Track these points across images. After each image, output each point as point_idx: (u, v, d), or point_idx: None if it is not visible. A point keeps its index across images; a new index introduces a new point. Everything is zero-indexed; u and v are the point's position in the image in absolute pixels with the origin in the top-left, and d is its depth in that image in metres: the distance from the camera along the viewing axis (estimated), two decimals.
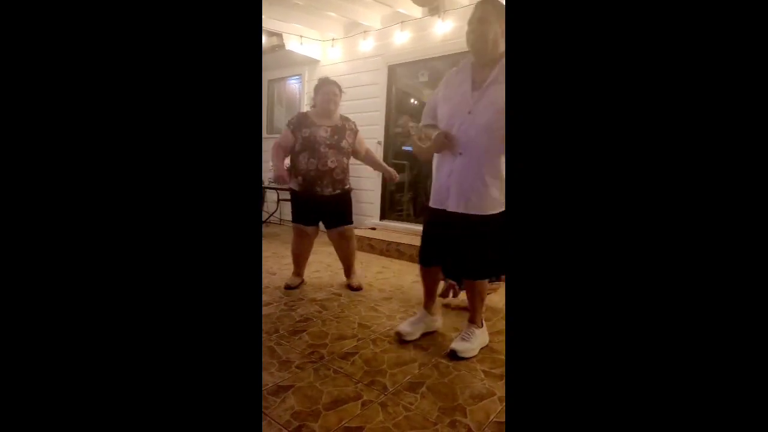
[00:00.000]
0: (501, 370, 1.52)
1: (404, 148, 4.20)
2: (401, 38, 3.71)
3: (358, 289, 2.43)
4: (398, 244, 3.39)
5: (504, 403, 1.30)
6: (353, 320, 1.96)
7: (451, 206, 1.56)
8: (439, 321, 1.87)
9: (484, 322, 1.74)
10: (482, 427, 1.18)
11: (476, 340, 1.65)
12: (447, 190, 1.57)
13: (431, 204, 1.67)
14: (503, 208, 1.52)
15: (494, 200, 1.53)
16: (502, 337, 1.82)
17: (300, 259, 2.46)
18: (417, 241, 3.33)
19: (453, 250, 1.65)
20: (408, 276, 2.83)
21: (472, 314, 1.71)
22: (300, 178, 2.24)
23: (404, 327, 1.75)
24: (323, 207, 2.31)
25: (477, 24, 1.48)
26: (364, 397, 1.31)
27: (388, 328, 1.88)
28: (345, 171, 2.31)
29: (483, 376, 1.48)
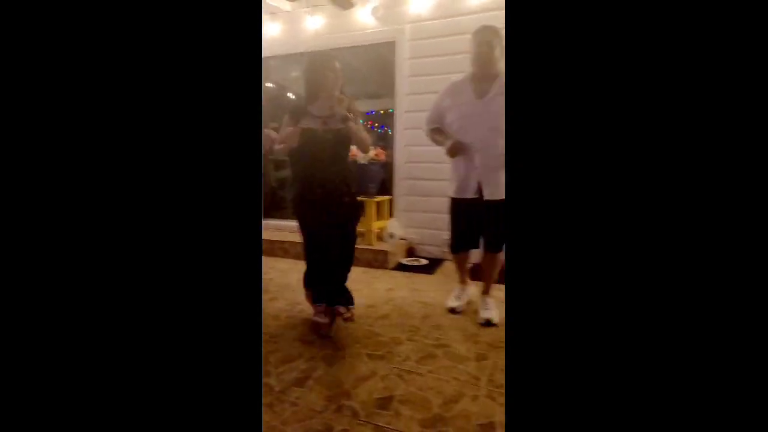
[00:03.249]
0: (382, 351, 1.64)
1: None
2: (273, 29, 3.60)
3: None
4: (282, 242, 3.32)
5: (384, 382, 1.42)
6: None
7: (486, 195, 1.89)
8: (471, 287, 2.23)
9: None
10: (366, 405, 1.27)
11: (496, 307, 1.99)
12: (476, 183, 1.92)
13: (459, 195, 1.98)
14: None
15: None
16: (385, 322, 1.95)
17: None
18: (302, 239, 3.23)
19: (484, 230, 1.99)
20: (295, 274, 2.76)
21: (488, 286, 2.06)
22: None
23: (453, 302, 2.11)
24: None
25: (485, 47, 1.85)
26: None
27: (273, 328, 1.86)
28: None
29: (367, 359, 1.58)
